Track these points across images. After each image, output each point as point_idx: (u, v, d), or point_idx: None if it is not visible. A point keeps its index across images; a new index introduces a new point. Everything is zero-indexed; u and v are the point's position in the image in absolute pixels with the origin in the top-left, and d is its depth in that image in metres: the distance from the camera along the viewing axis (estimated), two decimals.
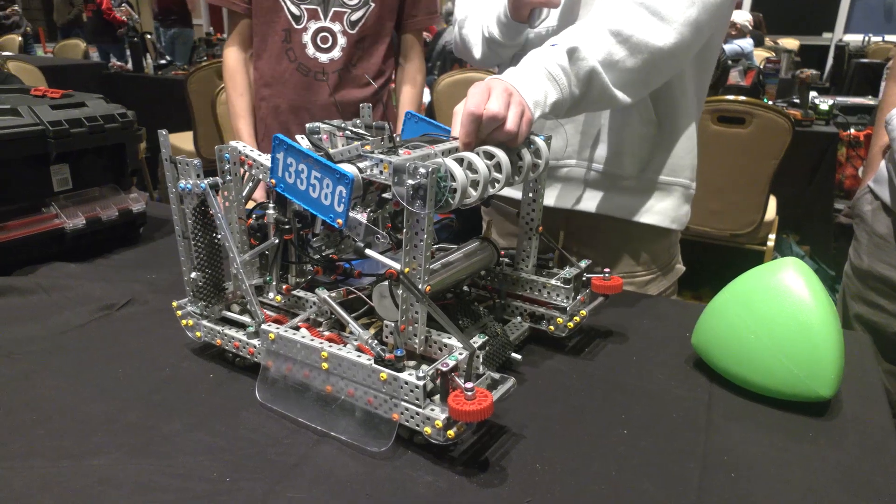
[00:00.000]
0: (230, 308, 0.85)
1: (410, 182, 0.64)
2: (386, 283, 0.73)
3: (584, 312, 0.86)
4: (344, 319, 0.75)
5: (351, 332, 0.76)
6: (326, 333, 0.79)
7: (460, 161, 0.72)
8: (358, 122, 0.94)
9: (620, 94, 0.92)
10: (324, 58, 1.55)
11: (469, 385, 0.61)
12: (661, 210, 1.12)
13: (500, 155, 0.75)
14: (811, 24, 7.26)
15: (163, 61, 4.92)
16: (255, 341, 0.80)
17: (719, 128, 2.41)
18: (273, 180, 0.77)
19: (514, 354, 0.83)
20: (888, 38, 6.50)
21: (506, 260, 0.93)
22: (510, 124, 0.76)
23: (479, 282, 0.93)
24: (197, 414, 0.74)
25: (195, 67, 3.67)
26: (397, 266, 0.69)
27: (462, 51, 1.22)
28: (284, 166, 0.76)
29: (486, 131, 0.76)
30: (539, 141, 0.83)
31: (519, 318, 0.91)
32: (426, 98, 3.48)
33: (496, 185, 0.76)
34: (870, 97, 4.11)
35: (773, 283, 0.76)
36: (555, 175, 1.14)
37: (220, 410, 0.75)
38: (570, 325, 0.86)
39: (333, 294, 0.80)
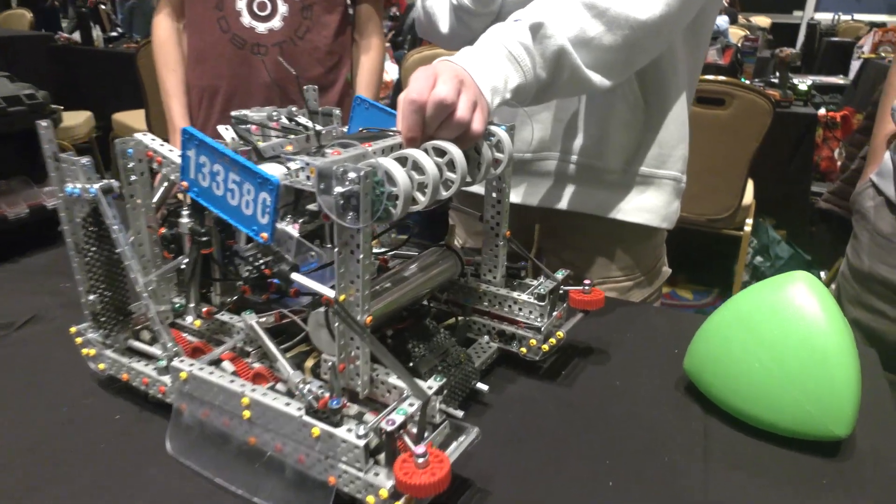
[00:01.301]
0: (139, 335, 0.71)
1: (339, 189, 0.51)
2: (322, 309, 0.60)
3: (560, 334, 0.74)
4: (272, 354, 0.62)
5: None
6: (256, 366, 0.66)
7: (403, 161, 0.58)
8: (294, 109, 0.80)
9: (597, 77, 0.79)
10: (261, 28, 1.35)
11: (420, 449, 0.49)
12: (650, 207, 1.00)
13: (453, 150, 0.62)
14: (782, 2, 7.21)
15: (114, 33, 4.63)
16: (167, 377, 0.66)
17: (697, 109, 2.31)
18: (185, 182, 0.63)
19: (479, 385, 0.71)
20: (857, 17, 6.48)
21: (471, 269, 0.80)
22: (461, 112, 0.63)
23: (441, 296, 0.80)
24: (94, 472, 0.61)
25: (146, 41, 3.44)
26: (328, 291, 0.56)
27: (426, 27, 1.07)
28: (197, 166, 0.62)
29: (433, 124, 0.63)
30: (500, 132, 0.70)
31: (486, 339, 0.78)
32: (394, 76, 3.30)
33: (450, 186, 0.63)
34: (841, 76, 4.06)
35: (781, 301, 0.65)
36: (528, 169, 1.01)
37: (122, 466, 0.62)
38: (545, 347, 0.74)
39: (263, 319, 0.67)
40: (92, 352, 0.71)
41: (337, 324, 0.57)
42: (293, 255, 0.60)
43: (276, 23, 1.35)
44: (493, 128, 0.70)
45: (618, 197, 0.99)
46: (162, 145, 0.66)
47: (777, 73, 2.98)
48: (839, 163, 3.12)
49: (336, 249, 0.55)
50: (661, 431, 0.68)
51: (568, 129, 0.98)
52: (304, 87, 0.90)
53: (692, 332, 0.73)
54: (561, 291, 0.78)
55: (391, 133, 0.66)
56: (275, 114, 0.73)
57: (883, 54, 4.10)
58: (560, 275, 0.78)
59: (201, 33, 1.38)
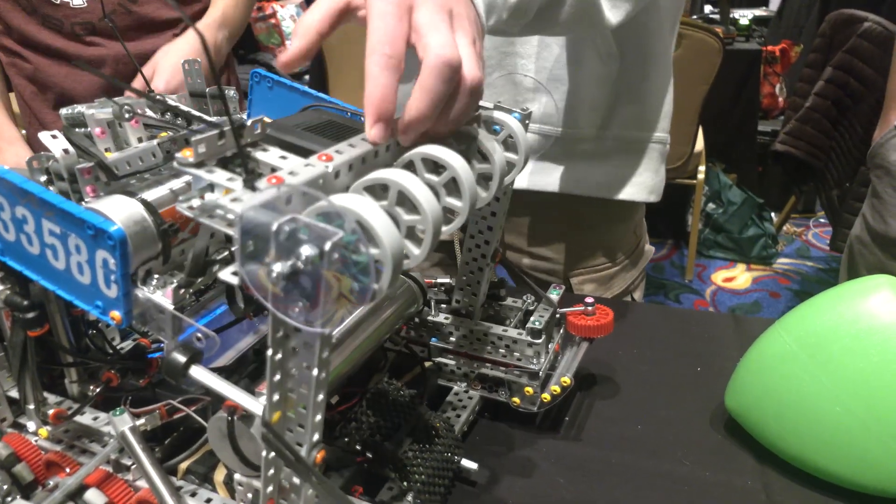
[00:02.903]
0: None
1: (280, 268, 0.29)
2: (222, 415, 0.39)
3: (567, 380, 0.55)
4: (151, 481, 0.40)
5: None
6: (142, 487, 0.45)
7: (377, 191, 0.36)
8: (167, 96, 0.56)
9: (607, 5, 0.61)
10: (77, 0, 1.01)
11: None
12: (633, 179, 0.82)
13: (455, 163, 0.39)
14: None
15: None
16: None
17: None
18: None
19: (466, 462, 0.52)
20: None
21: (435, 298, 0.60)
22: (470, 71, 0.40)
23: (399, 338, 0.60)
24: None
25: None
26: (251, 404, 0.35)
27: None
28: None
29: (431, 112, 0.39)
30: (511, 122, 0.48)
31: (464, 385, 0.59)
32: None
33: (451, 220, 0.41)
34: (763, 8, 3.96)
35: (863, 317, 0.48)
36: None
37: None
38: (546, 397, 0.55)
39: (141, 421, 0.45)
40: None
41: (264, 452, 0.36)
42: (170, 336, 0.39)
43: None
44: (499, 115, 0.47)
45: (595, 170, 0.81)
46: None
47: (714, 9, 2.84)
48: (780, 98, 3.06)
49: (269, 350, 0.33)
50: (710, 496, 0.51)
51: (531, 92, 0.78)
52: (182, 63, 0.66)
53: (717, 338, 0.56)
54: (557, 315, 0.59)
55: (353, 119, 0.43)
56: (129, 105, 0.49)
57: None
58: (554, 294, 0.59)
59: (7, 21, 1.03)
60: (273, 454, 0.35)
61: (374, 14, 0.38)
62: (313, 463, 0.35)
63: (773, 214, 2.65)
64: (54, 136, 0.48)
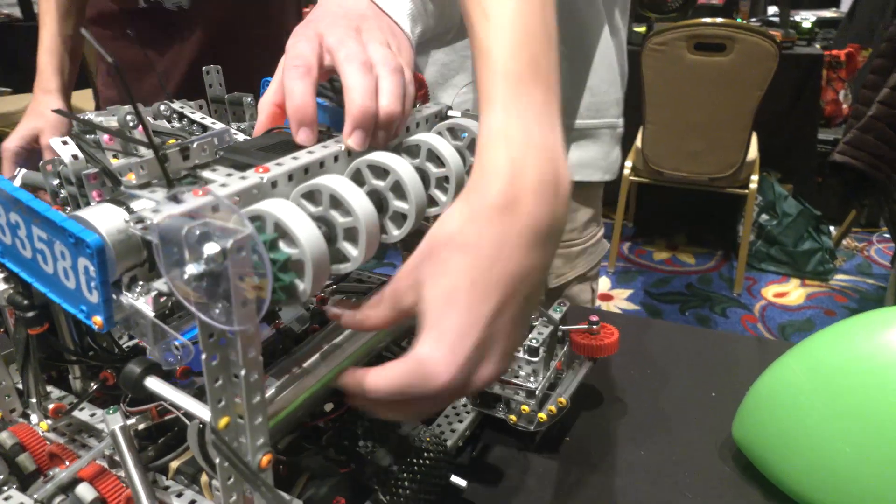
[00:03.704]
0: None
1: (193, 270, 0.30)
2: (196, 423, 0.39)
3: (563, 401, 0.54)
4: (131, 480, 0.41)
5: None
6: (139, 484, 0.46)
7: (313, 196, 0.37)
8: (180, 104, 0.57)
9: None
10: None
11: None
12: (588, 161, 0.86)
13: (398, 166, 0.40)
14: None
15: None
16: None
17: (696, 57, 2.07)
18: None
19: (455, 479, 0.51)
20: None
21: None
22: (387, 104, 0.41)
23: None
24: None
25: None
26: (201, 411, 0.36)
27: None
28: None
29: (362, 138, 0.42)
30: (473, 126, 0.48)
31: (462, 400, 0.58)
32: None
33: (402, 222, 0.42)
34: (833, 9, 3.77)
35: (883, 356, 0.45)
36: None
37: None
38: (542, 416, 0.54)
39: (133, 420, 0.46)
40: None
41: (218, 459, 0.36)
42: (150, 342, 0.39)
43: None
44: (463, 121, 0.47)
45: None
46: None
47: (776, 11, 2.73)
48: (844, 106, 2.91)
49: (202, 352, 0.33)
50: None
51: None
52: (203, 69, 0.68)
53: (737, 361, 0.54)
54: (560, 333, 0.57)
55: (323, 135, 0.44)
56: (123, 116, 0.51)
57: None
58: (557, 312, 0.57)
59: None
60: (226, 462, 0.35)
61: (287, 48, 0.43)
62: (258, 467, 0.35)
63: (831, 228, 2.52)
64: (65, 142, 0.49)
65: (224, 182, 0.35)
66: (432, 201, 0.46)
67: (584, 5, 0.78)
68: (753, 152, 2.27)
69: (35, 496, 0.44)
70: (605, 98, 0.85)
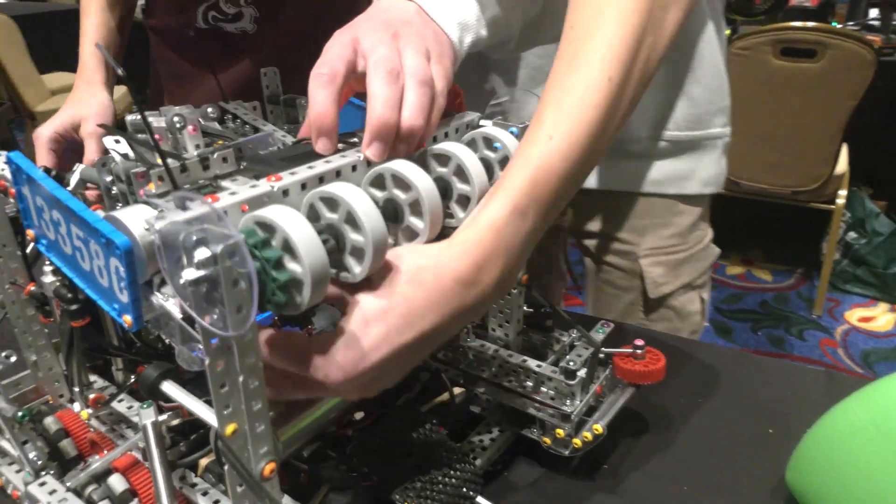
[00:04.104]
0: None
1: (188, 276, 0.30)
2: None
3: (599, 428, 0.51)
4: (154, 476, 0.42)
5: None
6: (162, 481, 0.47)
7: (332, 204, 0.36)
8: (234, 105, 0.58)
9: None
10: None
11: None
12: (688, 174, 0.79)
13: (418, 181, 0.39)
14: None
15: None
16: (41, 492, 0.48)
17: (783, 62, 1.96)
18: (31, 231, 0.43)
19: (481, 500, 0.49)
20: None
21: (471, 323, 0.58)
22: (409, 118, 0.41)
23: (430, 360, 0.58)
24: None
25: None
26: (210, 417, 0.36)
27: None
28: (38, 211, 0.42)
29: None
30: (506, 138, 0.46)
31: (496, 417, 0.57)
32: None
33: (415, 237, 0.41)
34: None
35: None
36: None
37: None
38: (578, 442, 0.51)
39: (164, 416, 0.47)
40: None
41: (226, 466, 0.36)
42: (178, 343, 0.40)
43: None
44: (495, 132, 0.46)
45: (650, 168, 0.79)
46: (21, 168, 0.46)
47: (878, 14, 2.54)
48: None
49: (205, 356, 0.33)
50: None
51: None
52: (262, 71, 0.69)
53: (802, 396, 0.50)
54: (602, 356, 0.54)
55: (348, 144, 0.43)
56: (182, 115, 0.52)
57: None
58: (600, 332, 0.55)
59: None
60: (229, 468, 0.35)
61: (323, 51, 0.43)
62: (261, 476, 0.35)
63: None
64: (118, 141, 0.51)
65: (234, 190, 0.35)
66: (448, 214, 0.44)
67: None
68: (843, 165, 2.12)
69: (68, 484, 0.46)
70: (708, 108, 0.78)
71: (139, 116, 0.53)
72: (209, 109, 0.55)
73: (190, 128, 0.54)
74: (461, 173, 0.44)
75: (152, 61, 1.09)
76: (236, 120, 0.64)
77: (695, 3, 0.49)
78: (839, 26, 2.38)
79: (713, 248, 0.88)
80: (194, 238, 0.29)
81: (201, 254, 0.29)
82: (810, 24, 1.97)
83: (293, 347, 0.38)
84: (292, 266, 0.34)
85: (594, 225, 0.85)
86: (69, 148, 0.87)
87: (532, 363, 0.53)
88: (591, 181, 0.81)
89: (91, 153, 0.84)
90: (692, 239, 0.84)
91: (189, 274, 0.29)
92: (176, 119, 0.50)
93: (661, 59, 0.46)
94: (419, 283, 0.37)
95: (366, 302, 0.37)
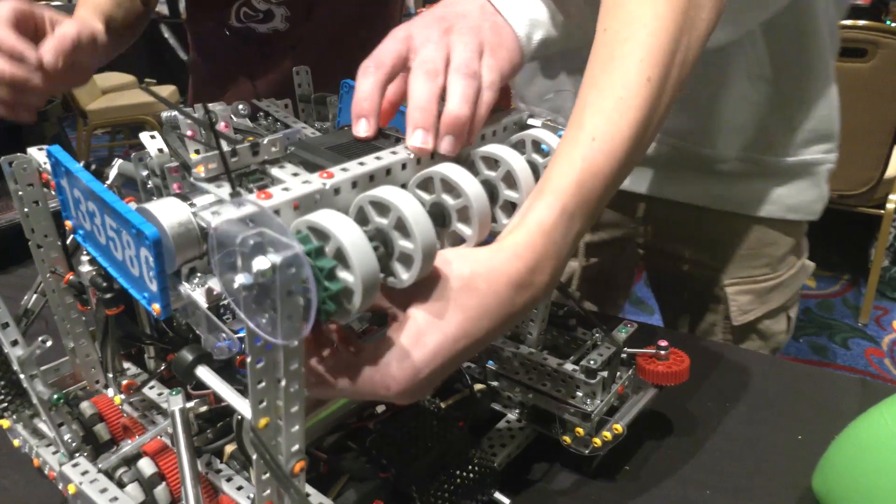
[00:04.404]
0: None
1: (242, 280, 0.30)
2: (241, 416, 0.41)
3: (619, 428, 0.51)
4: (181, 467, 0.43)
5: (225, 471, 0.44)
6: (187, 467, 0.48)
7: (382, 209, 0.36)
8: (266, 103, 0.60)
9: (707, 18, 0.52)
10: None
11: None
12: (785, 200, 0.74)
13: (467, 186, 0.39)
14: None
15: None
16: (74, 472, 0.50)
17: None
18: (69, 221, 0.45)
19: (498, 496, 0.50)
20: None
21: None
22: (454, 108, 0.42)
23: None
24: None
25: None
26: (243, 408, 0.37)
27: None
28: (75, 203, 0.44)
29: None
30: (554, 141, 0.45)
31: (516, 414, 0.57)
32: None
33: (461, 243, 0.41)
34: None
35: None
36: None
37: None
38: (597, 442, 0.51)
39: (191, 404, 0.49)
40: (6, 423, 0.56)
41: (255, 455, 0.37)
42: (204, 332, 0.41)
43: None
44: (544, 134, 0.45)
45: (738, 188, 0.75)
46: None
47: None
48: None
49: (247, 353, 0.34)
50: None
51: None
52: (294, 70, 0.70)
53: (834, 403, 0.48)
54: (625, 355, 0.54)
55: (390, 138, 0.43)
56: (214, 112, 0.53)
57: None
58: (623, 332, 0.54)
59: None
60: (258, 457, 0.36)
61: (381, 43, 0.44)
62: (291, 472, 0.35)
63: None
64: (153, 136, 0.53)
65: (287, 185, 0.35)
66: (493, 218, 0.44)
67: (806, 23, 0.66)
68: (893, 169, 2.04)
69: (100, 466, 0.48)
70: (817, 131, 0.72)
71: (175, 113, 0.55)
72: (240, 106, 0.56)
73: (222, 124, 0.56)
74: (510, 179, 0.43)
75: (191, 62, 1.13)
76: (268, 117, 0.66)
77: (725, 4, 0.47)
78: (892, 25, 2.29)
79: (807, 265, 0.83)
80: (252, 243, 0.29)
81: (260, 263, 0.29)
82: (861, 22, 1.90)
83: (345, 363, 0.37)
84: (343, 275, 0.33)
85: (675, 243, 0.82)
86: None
87: (553, 361, 0.53)
88: (676, 194, 0.78)
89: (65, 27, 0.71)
90: (783, 266, 0.79)
91: (244, 279, 0.30)
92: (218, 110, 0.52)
93: (696, 60, 0.45)
94: (472, 290, 0.36)
95: (418, 312, 0.36)
